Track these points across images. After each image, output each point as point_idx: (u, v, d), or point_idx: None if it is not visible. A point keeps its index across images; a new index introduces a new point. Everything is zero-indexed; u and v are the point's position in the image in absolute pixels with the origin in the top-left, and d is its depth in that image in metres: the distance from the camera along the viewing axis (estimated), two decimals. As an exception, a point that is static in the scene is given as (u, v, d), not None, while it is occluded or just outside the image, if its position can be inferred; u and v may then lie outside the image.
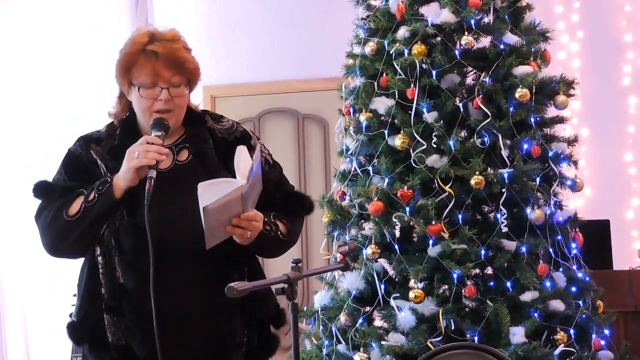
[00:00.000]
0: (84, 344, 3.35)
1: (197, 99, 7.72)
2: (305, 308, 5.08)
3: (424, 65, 4.86)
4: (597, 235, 5.80)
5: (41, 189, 3.39)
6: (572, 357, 4.71)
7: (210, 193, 3.12)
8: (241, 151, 3.30)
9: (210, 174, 3.28)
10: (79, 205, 3.28)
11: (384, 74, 4.94)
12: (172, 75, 3.30)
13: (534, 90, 4.85)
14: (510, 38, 4.93)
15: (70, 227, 3.28)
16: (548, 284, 4.76)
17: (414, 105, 4.84)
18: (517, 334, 4.63)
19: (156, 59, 3.29)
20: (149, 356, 3.22)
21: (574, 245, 4.96)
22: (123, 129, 3.39)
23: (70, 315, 3.90)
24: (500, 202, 4.78)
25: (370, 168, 4.93)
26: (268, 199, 3.35)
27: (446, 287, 4.78)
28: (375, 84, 4.97)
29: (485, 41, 5.02)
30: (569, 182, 5.00)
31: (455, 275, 4.68)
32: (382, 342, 4.73)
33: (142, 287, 3.19)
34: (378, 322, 4.90)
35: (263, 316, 3.42)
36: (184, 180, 3.31)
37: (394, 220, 4.78)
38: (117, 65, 3.38)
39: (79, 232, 3.28)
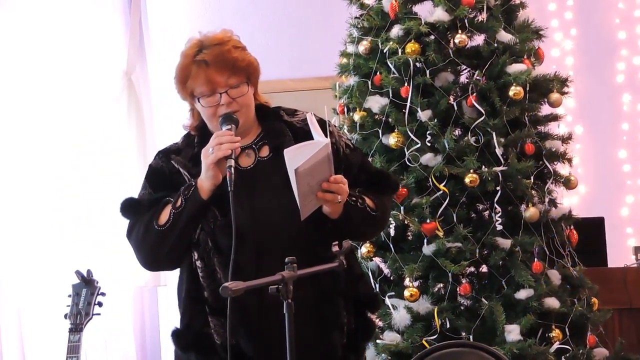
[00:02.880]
0: (190, 351, 3.33)
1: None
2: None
3: (417, 64, 4.87)
4: (592, 232, 5.80)
5: (129, 207, 3.40)
6: (568, 355, 4.72)
7: (298, 156, 3.13)
8: (312, 119, 3.31)
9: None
10: (168, 213, 3.29)
11: (378, 73, 4.95)
12: (227, 77, 3.31)
13: (527, 88, 4.86)
14: (504, 36, 4.94)
15: (163, 237, 3.29)
16: (543, 281, 4.77)
17: (408, 104, 4.85)
18: (512, 332, 4.63)
19: (207, 66, 3.30)
20: (257, 352, 3.22)
21: (568, 242, 4.97)
22: (200, 137, 3.41)
23: (65, 317, 3.89)
24: (495, 200, 4.78)
25: (364, 167, 4.93)
26: (353, 181, 3.33)
27: (441, 285, 4.78)
28: (369, 82, 4.98)
29: (479, 39, 5.03)
30: (563, 180, 5.00)
31: (450, 274, 4.68)
32: (378, 341, 4.73)
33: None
34: (373, 321, 4.90)
35: (360, 299, 3.42)
36: (269, 175, 3.33)
37: (389, 218, 4.78)
38: (175, 82, 3.39)
39: (172, 240, 3.28)
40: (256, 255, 3.20)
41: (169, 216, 3.29)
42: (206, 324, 3.29)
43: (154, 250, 3.33)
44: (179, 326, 3.39)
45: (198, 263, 3.30)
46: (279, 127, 3.42)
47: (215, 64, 3.29)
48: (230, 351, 3.24)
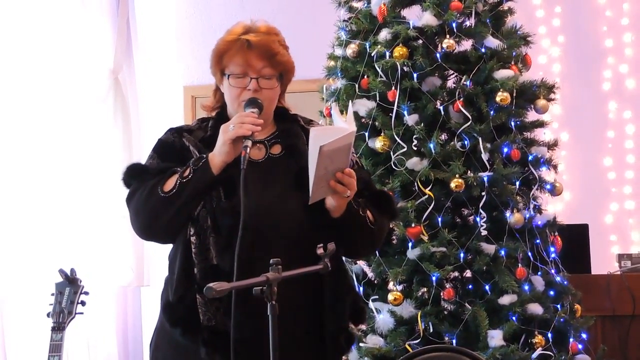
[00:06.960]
0: (178, 326, 3.29)
1: (178, 99, 7.71)
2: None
3: (405, 68, 4.88)
4: (576, 239, 5.81)
5: (134, 171, 3.37)
6: (550, 361, 4.73)
7: (324, 136, 3.12)
8: (336, 108, 3.35)
9: (302, 166, 3.26)
10: (175, 181, 3.26)
11: (365, 76, 4.95)
12: (263, 66, 3.33)
13: (514, 94, 4.86)
14: (492, 42, 4.95)
15: (166, 204, 3.25)
16: (526, 287, 4.77)
17: (395, 108, 4.85)
18: (495, 337, 4.64)
19: (248, 48, 3.33)
20: (242, 339, 3.17)
21: (552, 249, 4.98)
22: (215, 121, 3.41)
23: (48, 315, 3.88)
24: (480, 206, 4.78)
25: (350, 170, 4.93)
26: (357, 196, 3.33)
27: (425, 289, 4.78)
28: (357, 86, 4.98)
29: (466, 44, 5.03)
30: (548, 186, 5.01)
31: (434, 278, 4.68)
32: (361, 344, 4.73)
33: (238, 270, 3.13)
34: (357, 324, 4.90)
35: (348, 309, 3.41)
36: (278, 171, 3.33)
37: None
38: (211, 55, 3.39)
39: (174, 209, 3.25)
40: (253, 244, 3.17)
41: (175, 184, 3.25)
42: (194, 300, 3.26)
43: (152, 216, 3.29)
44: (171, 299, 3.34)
45: (193, 239, 3.27)
46: (295, 129, 3.43)
47: (257, 48, 3.33)
48: (211, 332, 3.23)
